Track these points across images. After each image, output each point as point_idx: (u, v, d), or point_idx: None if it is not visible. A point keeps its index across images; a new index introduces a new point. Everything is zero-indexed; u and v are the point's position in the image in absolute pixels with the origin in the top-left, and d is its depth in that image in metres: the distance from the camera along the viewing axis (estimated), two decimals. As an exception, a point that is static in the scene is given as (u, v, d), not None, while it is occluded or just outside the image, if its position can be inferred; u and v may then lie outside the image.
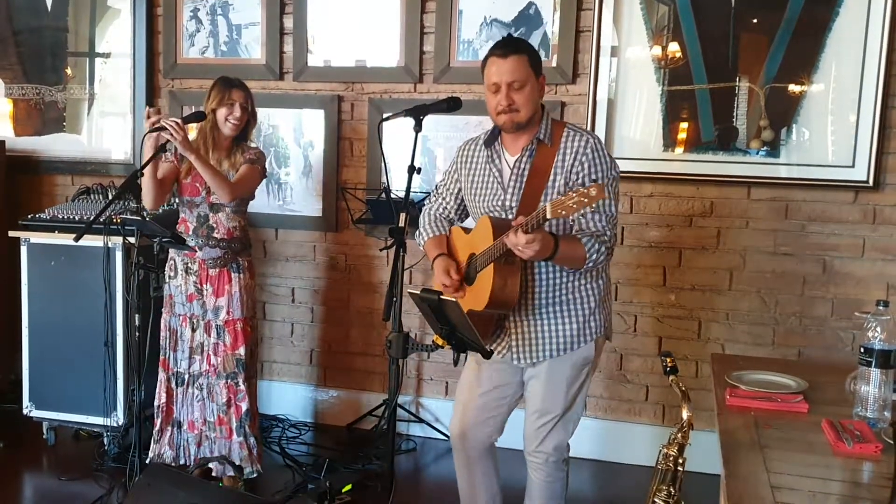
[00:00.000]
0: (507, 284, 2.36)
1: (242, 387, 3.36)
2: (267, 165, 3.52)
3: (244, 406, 3.37)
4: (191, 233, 3.32)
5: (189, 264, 3.34)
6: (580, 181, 2.40)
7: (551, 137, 2.47)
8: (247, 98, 3.33)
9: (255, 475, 3.40)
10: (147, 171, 3.14)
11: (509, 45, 2.43)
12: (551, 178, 2.43)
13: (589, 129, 3.72)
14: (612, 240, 2.44)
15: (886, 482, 1.66)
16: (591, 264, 2.38)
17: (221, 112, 3.27)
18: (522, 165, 2.48)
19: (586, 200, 2.02)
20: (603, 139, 3.66)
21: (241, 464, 3.36)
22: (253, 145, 3.42)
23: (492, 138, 2.57)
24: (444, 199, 2.76)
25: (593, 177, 2.39)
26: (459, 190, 2.70)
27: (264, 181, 3.48)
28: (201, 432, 3.41)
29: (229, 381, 3.35)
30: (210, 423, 3.40)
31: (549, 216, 2.07)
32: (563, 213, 2.05)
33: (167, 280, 3.38)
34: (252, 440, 3.40)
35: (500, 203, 2.52)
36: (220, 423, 3.38)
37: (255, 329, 3.51)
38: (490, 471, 2.75)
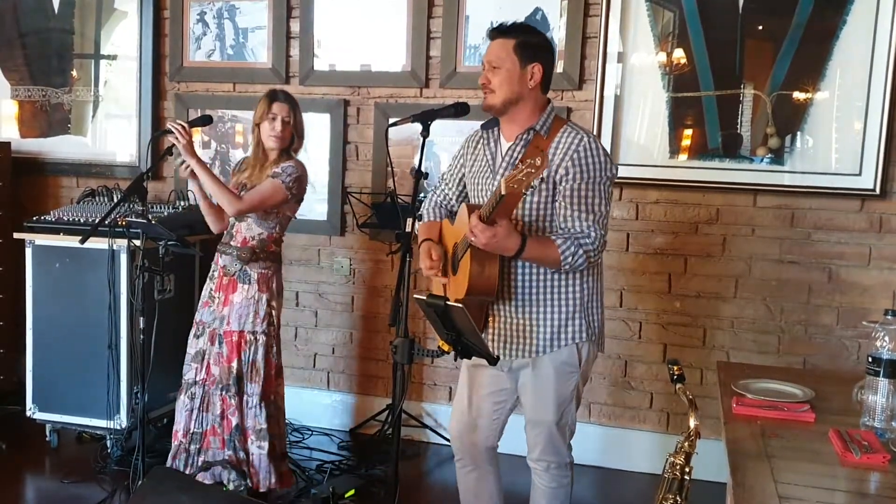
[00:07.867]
0: (484, 270, 2.34)
1: (233, 401, 3.23)
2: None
3: (234, 421, 3.24)
4: (222, 240, 3.34)
5: (213, 270, 3.34)
6: (570, 175, 2.37)
7: (549, 131, 2.46)
8: (290, 112, 3.24)
9: (242, 488, 3.22)
10: (197, 194, 3.25)
11: (499, 28, 2.49)
12: None
13: (595, 134, 3.71)
14: (597, 241, 2.37)
15: (894, 493, 1.66)
16: (567, 266, 2.35)
17: (264, 126, 3.23)
18: (516, 154, 2.47)
19: (534, 171, 2.03)
20: (609, 145, 3.68)
21: (231, 477, 3.25)
22: (289, 162, 3.24)
23: (492, 122, 2.58)
24: (447, 185, 2.75)
25: (582, 175, 2.37)
26: (463, 176, 2.69)
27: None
28: (180, 444, 3.28)
29: (223, 393, 3.24)
30: (195, 435, 3.26)
31: (503, 192, 2.07)
32: (516, 186, 2.05)
33: None
34: (242, 454, 3.26)
35: (490, 187, 2.51)
36: (214, 433, 3.28)
37: (258, 345, 3.25)
38: (490, 476, 2.72)
